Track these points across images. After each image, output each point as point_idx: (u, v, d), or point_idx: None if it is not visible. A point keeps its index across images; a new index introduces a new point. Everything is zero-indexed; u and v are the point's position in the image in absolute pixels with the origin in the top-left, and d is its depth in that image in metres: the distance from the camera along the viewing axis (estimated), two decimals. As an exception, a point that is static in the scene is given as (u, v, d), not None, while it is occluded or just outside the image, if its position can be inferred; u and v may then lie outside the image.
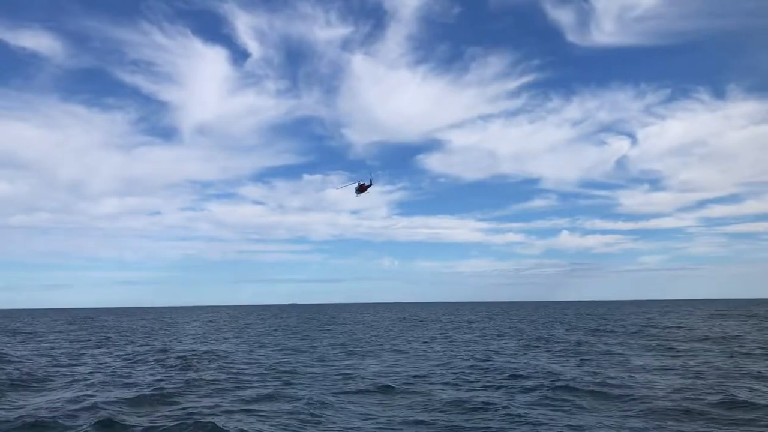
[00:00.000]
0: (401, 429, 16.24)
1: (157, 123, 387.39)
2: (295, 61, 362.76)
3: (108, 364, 30.55)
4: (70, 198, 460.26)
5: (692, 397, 19.42)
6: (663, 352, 33.75)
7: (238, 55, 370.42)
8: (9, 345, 45.26)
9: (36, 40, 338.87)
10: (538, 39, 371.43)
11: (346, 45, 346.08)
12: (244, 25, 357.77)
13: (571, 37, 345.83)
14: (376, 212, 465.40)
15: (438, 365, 28.83)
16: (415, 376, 25.10)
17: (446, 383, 23.31)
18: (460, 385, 22.70)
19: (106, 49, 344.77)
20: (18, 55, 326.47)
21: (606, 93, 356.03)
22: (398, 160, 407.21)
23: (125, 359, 33.41)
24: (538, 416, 17.15)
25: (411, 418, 17.23)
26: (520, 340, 45.03)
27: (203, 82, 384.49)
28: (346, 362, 30.96)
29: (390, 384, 22.80)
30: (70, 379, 25.28)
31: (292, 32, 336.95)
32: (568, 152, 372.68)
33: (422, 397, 20.52)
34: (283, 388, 22.31)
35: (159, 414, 17.91)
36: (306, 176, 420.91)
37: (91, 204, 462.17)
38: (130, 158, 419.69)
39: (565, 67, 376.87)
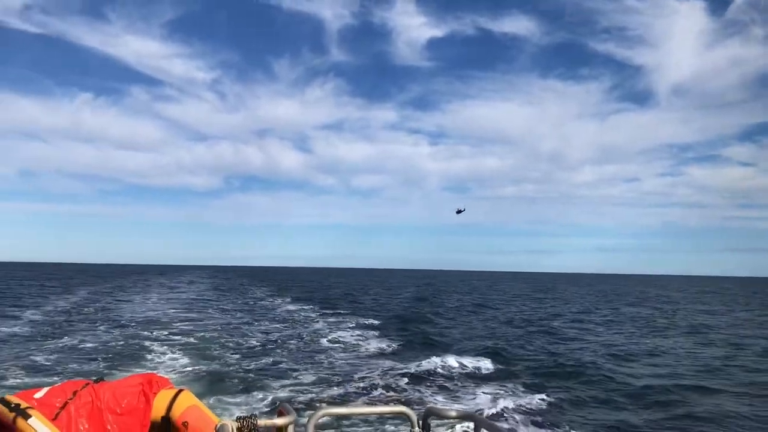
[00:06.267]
0: None
1: (631, 88, 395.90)
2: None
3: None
4: (550, 168, 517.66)
5: None
6: None
7: (717, 4, 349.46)
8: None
9: (515, 24, 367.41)
10: None
11: None
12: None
13: None
14: None
15: None
16: None
17: None
18: None
19: (577, 21, 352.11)
20: (500, 40, 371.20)
21: None
22: None
23: None
24: None
25: None
26: None
27: (678, 39, 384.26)
28: None
29: None
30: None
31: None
32: None
33: None
34: None
35: None
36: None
37: (569, 173, 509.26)
38: (605, 126, 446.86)
39: None
